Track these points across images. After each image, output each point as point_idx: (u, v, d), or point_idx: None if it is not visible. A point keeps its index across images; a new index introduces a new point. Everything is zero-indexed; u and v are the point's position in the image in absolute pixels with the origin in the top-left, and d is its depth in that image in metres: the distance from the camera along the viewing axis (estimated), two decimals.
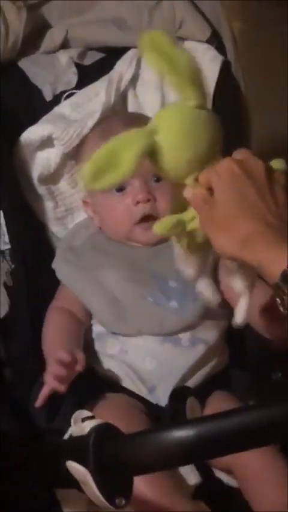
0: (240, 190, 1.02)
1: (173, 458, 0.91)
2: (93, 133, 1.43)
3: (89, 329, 1.38)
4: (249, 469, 1.22)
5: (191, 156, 1.03)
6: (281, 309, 0.97)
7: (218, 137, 1.06)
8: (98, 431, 0.98)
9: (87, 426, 1.00)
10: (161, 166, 1.04)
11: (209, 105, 1.40)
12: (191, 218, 1.08)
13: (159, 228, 1.07)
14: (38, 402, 1.22)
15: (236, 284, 1.10)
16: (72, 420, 1.09)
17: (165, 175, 1.06)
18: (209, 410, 1.32)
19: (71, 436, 1.06)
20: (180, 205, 1.13)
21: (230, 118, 1.46)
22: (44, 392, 1.22)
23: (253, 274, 1.10)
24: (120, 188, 1.37)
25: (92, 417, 1.05)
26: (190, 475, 1.24)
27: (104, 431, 0.98)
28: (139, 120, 1.38)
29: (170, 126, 1.03)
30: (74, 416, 1.09)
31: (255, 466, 1.21)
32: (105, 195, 1.38)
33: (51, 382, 1.22)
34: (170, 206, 1.35)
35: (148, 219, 1.37)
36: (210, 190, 1.05)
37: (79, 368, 1.23)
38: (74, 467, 0.97)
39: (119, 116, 1.46)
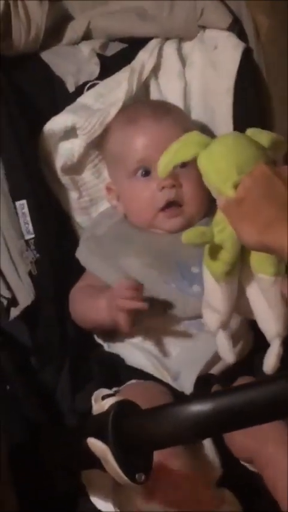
0: (269, 186, 1.08)
1: (191, 431, 0.92)
2: (117, 121, 1.43)
3: None
4: (271, 459, 1.19)
5: (234, 163, 1.16)
6: None
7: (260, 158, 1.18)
8: (117, 407, 0.99)
9: (107, 404, 1.02)
10: (205, 169, 1.20)
11: (231, 95, 1.45)
12: (221, 229, 1.16)
13: (186, 237, 1.15)
14: (125, 326, 1.26)
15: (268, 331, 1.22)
16: (93, 399, 1.13)
17: (207, 178, 1.20)
18: None
19: (92, 415, 1.08)
20: (206, 192, 1.25)
21: (252, 107, 1.47)
22: (126, 314, 1.25)
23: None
24: (146, 172, 1.37)
25: (112, 395, 1.08)
26: (214, 463, 1.23)
27: (123, 408, 1.00)
28: (164, 106, 1.44)
29: (221, 140, 1.23)
30: (94, 394, 1.13)
31: (278, 457, 1.19)
32: (130, 180, 1.39)
33: (124, 302, 1.25)
34: (196, 192, 1.37)
35: (172, 205, 1.38)
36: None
37: (140, 295, 1.26)
38: (95, 444, 0.98)
39: (144, 103, 1.47)
